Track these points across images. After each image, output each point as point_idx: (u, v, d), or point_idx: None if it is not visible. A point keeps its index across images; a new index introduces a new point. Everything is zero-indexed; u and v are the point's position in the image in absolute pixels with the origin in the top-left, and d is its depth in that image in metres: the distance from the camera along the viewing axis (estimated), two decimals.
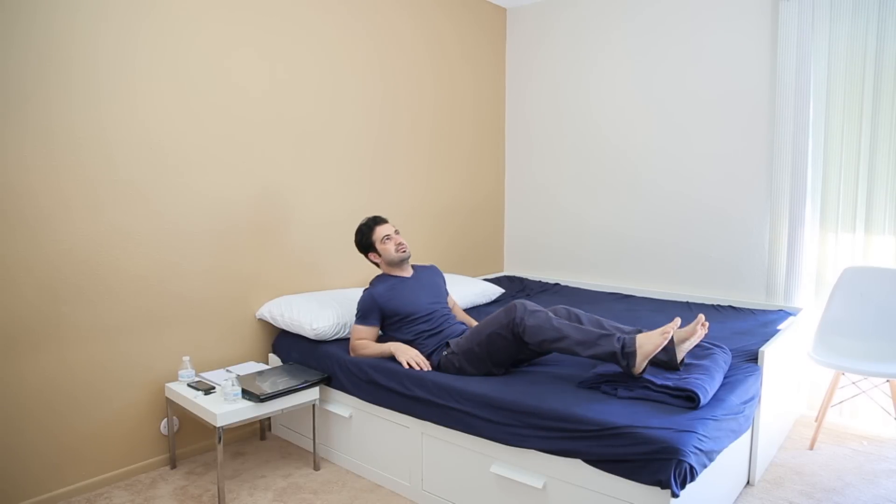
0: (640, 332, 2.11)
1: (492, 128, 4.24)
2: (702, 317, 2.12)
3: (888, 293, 2.84)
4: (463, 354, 2.32)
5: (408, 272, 2.70)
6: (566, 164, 4.06)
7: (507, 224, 4.44)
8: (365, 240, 2.66)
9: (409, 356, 2.41)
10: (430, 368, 2.38)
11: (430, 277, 2.77)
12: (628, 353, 1.99)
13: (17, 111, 2.15)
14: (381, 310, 2.56)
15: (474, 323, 2.83)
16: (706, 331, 2.12)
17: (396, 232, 2.66)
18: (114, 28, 2.37)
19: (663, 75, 3.59)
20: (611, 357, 2.03)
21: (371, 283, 2.64)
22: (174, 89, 2.56)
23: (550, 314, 2.20)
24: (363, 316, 2.57)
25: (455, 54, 3.88)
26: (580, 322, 2.28)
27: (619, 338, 2.03)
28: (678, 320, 2.01)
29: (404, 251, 2.64)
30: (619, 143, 3.80)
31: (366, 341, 2.56)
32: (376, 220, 2.66)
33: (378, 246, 2.63)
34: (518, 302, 2.25)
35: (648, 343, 1.97)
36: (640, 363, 1.99)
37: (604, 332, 2.07)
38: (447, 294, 2.83)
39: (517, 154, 4.32)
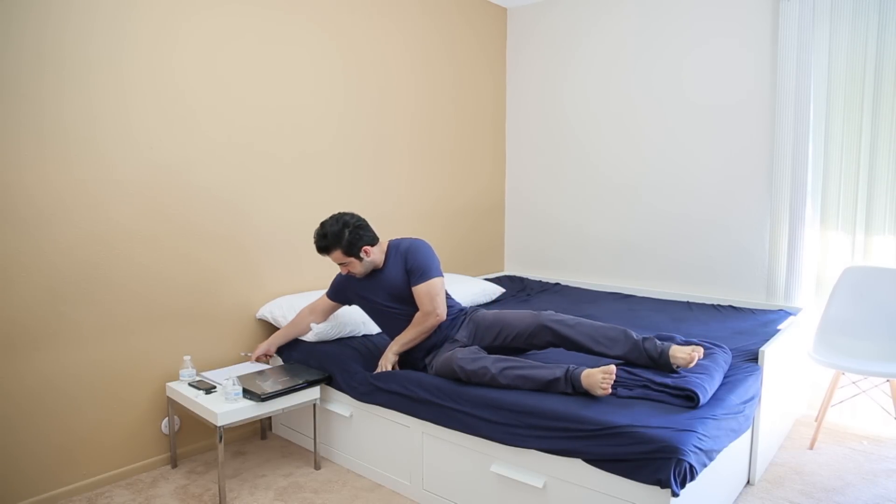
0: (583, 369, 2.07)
1: (492, 128, 4.24)
2: (701, 350, 2.14)
3: (888, 293, 2.84)
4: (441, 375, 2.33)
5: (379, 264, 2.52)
6: (567, 163, 4.06)
7: (507, 223, 4.44)
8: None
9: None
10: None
11: (392, 271, 2.50)
12: (580, 394, 2.02)
13: (12, 110, 2.15)
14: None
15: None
16: (698, 359, 2.14)
17: (342, 264, 2.44)
18: (107, 25, 2.37)
19: (663, 75, 3.59)
20: (564, 394, 2.04)
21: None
22: (171, 87, 2.56)
23: (492, 371, 2.14)
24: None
25: (455, 55, 3.88)
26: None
27: (566, 379, 2.03)
28: (613, 367, 1.99)
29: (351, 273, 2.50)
30: (620, 142, 3.80)
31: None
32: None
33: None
34: (455, 364, 2.22)
35: (592, 390, 1.99)
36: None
37: (551, 377, 2.06)
38: (411, 284, 2.46)
39: (518, 154, 4.32)
